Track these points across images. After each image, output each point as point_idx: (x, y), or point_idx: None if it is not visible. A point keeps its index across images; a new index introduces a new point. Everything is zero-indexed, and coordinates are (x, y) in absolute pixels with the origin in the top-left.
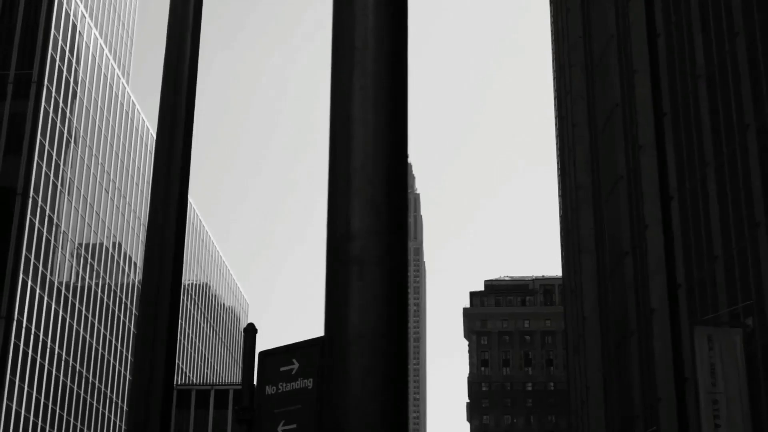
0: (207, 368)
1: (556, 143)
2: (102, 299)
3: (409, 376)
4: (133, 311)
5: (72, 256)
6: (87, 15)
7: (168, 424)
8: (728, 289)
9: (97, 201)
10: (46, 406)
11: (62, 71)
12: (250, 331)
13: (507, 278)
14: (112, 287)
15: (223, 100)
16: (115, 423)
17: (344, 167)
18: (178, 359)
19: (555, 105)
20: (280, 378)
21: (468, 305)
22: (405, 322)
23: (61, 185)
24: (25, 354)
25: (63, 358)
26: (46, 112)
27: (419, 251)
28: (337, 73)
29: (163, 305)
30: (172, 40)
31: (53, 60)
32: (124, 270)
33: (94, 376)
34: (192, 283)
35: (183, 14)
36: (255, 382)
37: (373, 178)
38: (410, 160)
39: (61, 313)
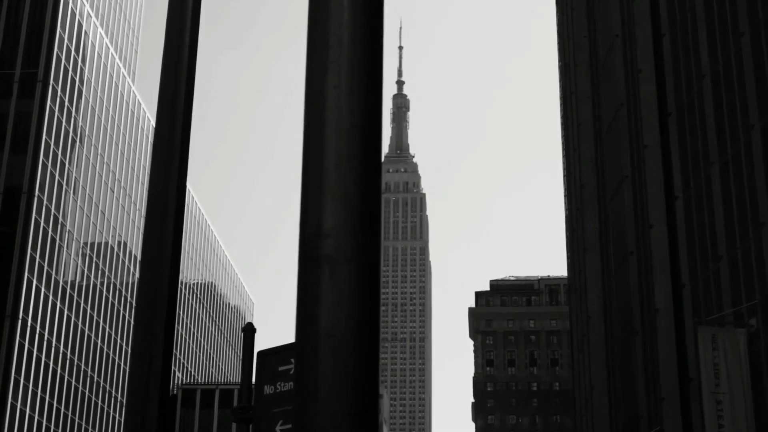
0: (212, 368)
1: (562, 143)
2: (107, 298)
3: (379, 375)
4: None
5: (77, 256)
6: (93, 14)
7: (165, 414)
8: (732, 289)
9: (102, 200)
10: (51, 405)
11: (68, 70)
12: (249, 330)
13: (512, 278)
14: (117, 286)
15: (229, 101)
16: (120, 422)
17: (317, 166)
18: (184, 358)
19: (560, 105)
20: (278, 377)
21: (473, 305)
22: (376, 321)
23: (67, 184)
24: (30, 353)
25: (68, 358)
26: (52, 112)
27: (425, 251)
28: (311, 72)
29: (161, 298)
30: (171, 37)
31: (59, 59)
32: (129, 269)
33: (99, 376)
34: (197, 283)
35: (182, 10)
36: (254, 382)
37: (345, 178)
38: (416, 160)
39: (66, 312)
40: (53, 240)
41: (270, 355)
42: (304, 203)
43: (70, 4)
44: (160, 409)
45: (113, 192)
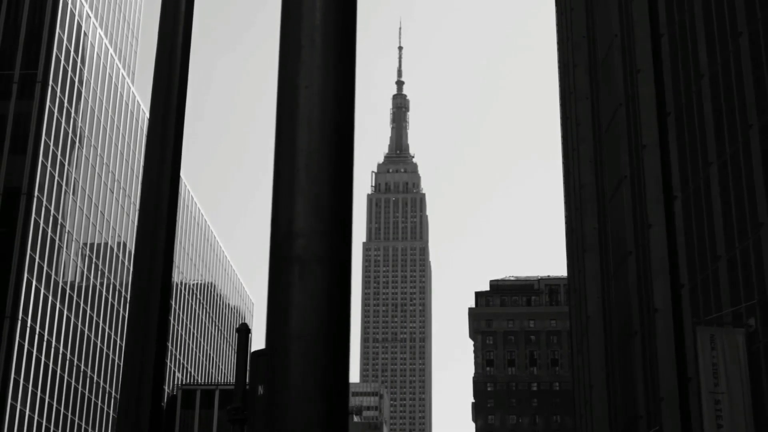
0: (212, 368)
1: (562, 143)
2: (107, 299)
3: (349, 374)
4: None
5: (77, 256)
6: (92, 15)
7: (159, 410)
8: (731, 289)
9: (101, 201)
10: (51, 406)
11: (67, 71)
12: (243, 331)
13: (512, 278)
14: (117, 287)
15: (229, 102)
16: None
17: (288, 166)
18: (183, 359)
19: (560, 104)
20: None
21: (473, 305)
22: (347, 322)
23: (66, 185)
24: (30, 354)
25: (68, 358)
26: (51, 112)
27: (424, 251)
28: (284, 71)
29: (155, 293)
30: (164, 35)
31: (58, 60)
32: (128, 269)
33: (98, 376)
34: (197, 283)
35: (175, 8)
36: (248, 382)
37: (317, 178)
38: (415, 160)
39: (66, 313)
40: (53, 241)
41: (264, 355)
42: (275, 203)
43: (69, 5)
44: (154, 402)
45: (113, 192)
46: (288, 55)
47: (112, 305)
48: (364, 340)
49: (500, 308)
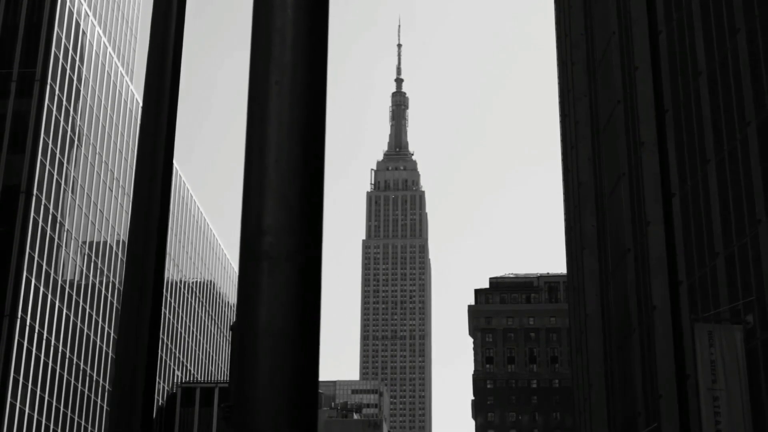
0: (212, 366)
1: (561, 141)
2: (106, 298)
3: (317, 373)
4: None
5: (76, 255)
6: (90, 13)
7: (151, 404)
8: (729, 286)
9: (101, 199)
10: (50, 404)
11: (66, 70)
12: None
13: (512, 276)
14: (117, 285)
15: (232, 102)
16: None
17: (258, 162)
18: (183, 357)
19: (559, 102)
20: None
21: (473, 302)
22: (316, 319)
23: (65, 184)
24: (30, 352)
25: (67, 357)
26: (50, 111)
27: (424, 249)
28: (254, 67)
29: (147, 289)
30: (156, 36)
31: (57, 58)
32: None
33: (98, 375)
34: (197, 282)
35: (167, 8)
36: None
37: (286, 174)
38: (415, 157)
39: (65, 311)
40: (52, 239)
41: None
42: (246, 199)
43: (68, 4)
44: (146, 398)
45: (112, 191)
46: (258, 51)
47: (111, 303)
48: (364, 337)
49: (500, 305)
